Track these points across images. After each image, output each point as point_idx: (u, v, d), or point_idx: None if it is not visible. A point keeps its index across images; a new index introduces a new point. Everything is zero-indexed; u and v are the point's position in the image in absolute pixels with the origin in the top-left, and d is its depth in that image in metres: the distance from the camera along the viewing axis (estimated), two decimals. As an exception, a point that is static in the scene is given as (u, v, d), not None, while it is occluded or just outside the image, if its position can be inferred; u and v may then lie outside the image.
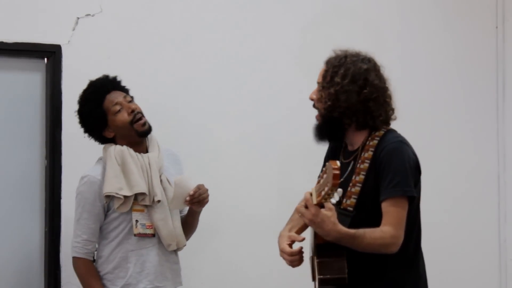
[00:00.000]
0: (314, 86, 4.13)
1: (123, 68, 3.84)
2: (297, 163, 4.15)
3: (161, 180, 3.26)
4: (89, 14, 3.82)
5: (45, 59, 3.79)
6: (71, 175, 3.70)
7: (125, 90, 3.34)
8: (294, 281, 3.99)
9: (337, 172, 2.28)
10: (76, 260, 3.27)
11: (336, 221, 2.47)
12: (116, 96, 3.26)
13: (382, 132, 2.70)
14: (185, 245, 3.33)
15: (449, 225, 4.32)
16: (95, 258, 3.28)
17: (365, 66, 2.71)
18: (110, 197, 3.18)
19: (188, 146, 3.73)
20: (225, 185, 4.00)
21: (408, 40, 4.39)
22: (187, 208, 3.34)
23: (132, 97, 3.34)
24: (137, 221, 3.21)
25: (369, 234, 2.53)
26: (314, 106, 2.79)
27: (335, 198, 2.37)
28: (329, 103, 2.70)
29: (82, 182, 3.25)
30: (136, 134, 3.24)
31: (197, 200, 3.19)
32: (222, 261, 4.00)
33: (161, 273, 3.25)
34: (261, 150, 4.09)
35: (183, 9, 4.00)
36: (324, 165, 3.03)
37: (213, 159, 3.98)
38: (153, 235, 3.22)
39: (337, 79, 2.70)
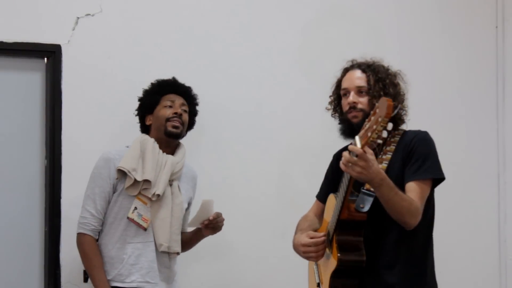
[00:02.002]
0: (314, 86, 4.17)
1: (123, 68, 3.86)
2: (297, 163, 4.15)
3: (171, 185, 3.33)
4: (89, 14, 3.82)
5: (45, 59, 3.79)
6: (71, 175, 3.71)
7: (192, 108, 3.49)
8: (294, 280, 3.99)
9: (392, 103, 2.34)
10: (81, 237, 3.30)
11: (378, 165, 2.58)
12: (177, 99, 3.43)
13: (401, 132, 2.86)
14: (178, 253, 3.36)
15: (449, 225, 4.32)
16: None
17: (396, 71, 2.91)
18: (121, 174, 3.26)
19: (188, 145, 3.72)
20: (225, 184, 4.00)
21: (408, 40, 4.38)
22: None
23: (193, 121, 3.53)
24: (136, 208, 3.26)
25: (402, 193, 2.64)
26: (354, 109, 2.84)
27: (383, 135, 2.41)
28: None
29: (100, 159, 3.35)
30: (164, 131, 3.36)
31: (213, 226, 3.33)
32: (222, 260, 4.00)
33: (154, 270, 3.27)
34: (261, 150, 4.09)
35: (183, 9, 4.00)
36: (327, 177, 3.12)
37: (212, 159, 3.98)
38: (145, 229, 3.26)
39: (389, 82, 2.84)
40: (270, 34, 4.14)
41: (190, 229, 3.50)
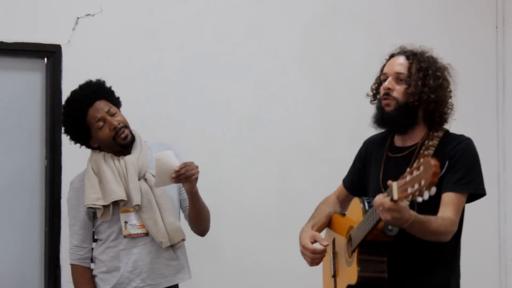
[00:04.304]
0: (315, 86, 4.18)
1: (123, 68, 3.85)
2: (297, 163, 4.15)
3: (145, 179, 3.22)
4: (89, 14, 3.82)
5: (45, 59, 3.79)
6: (71, 175, 3.68)
7: (109, 98, 3.24)
8: (294, 279, 4.00)
9: (438, 170, 2.18)
10: (71, 267, 3.28)
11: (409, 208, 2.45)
12: (98, 110, 3.17)
13: (440, 134, 2.70)
14: (183, 239, 3.25)
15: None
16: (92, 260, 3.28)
17: (444, 65, 2.76)
18: (92, 208, 3.18)
19: (188, 145, 3.73)
20: (226, 184, 4.00)
21: (408, 40, 4.34)
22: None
23: (117, 100, 3.27)
24: (126, 222, 3.18)
25: (434, 221, 2.51)
26: (388, 96, 2.70)
27: (424, 197, 2.24)
28: (425, 97, 2.66)
29: (69, 189, 3.28)
30: (119, 146, 3.21)
31: (184, 177, 3.06)
32: (222, 260, 4.00)
33: (154, 271, 3.22)
34: (261, 150, 4.09)
35: (183, 8, 4.00)
36: (354, 164, 2.95)
37: (213, 158, 3.97)
38: (146, 234, 3.19)
39: (432, 73, 2.69)
40: (271, 34, 4.14)
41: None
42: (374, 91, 2.84)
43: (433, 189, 2.20)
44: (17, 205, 3.76)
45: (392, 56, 2.81)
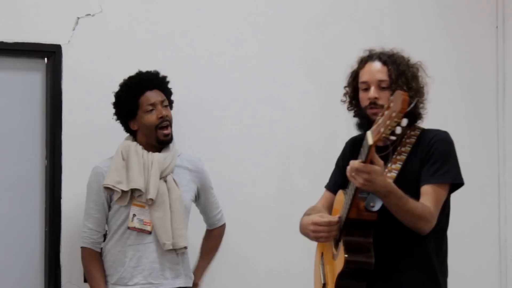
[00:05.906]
0: (315, 86, 4.17)
1: (123, 68, 3.84)
2: (297, 163, 4.15)
3: (166, 181, 3.28)
4: (89, 14, 3.82)
5: (45, 59, 3.79)
6: (71, 175, 3.71)
7: (167, 93, 3.41)
8: (295, 279, 4.00)
9: (407, 98, 2.19)
10: (82, 250, 3.35)
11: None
12: (154, 96, 3.34)
13: (417, 132, 2.72)
14: (185, 247, 3.33)
15: (449, 225, 4.31)
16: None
17: (417, 63, 2.77)
18: (109, 189, 3.24)
19: (188, 146, 3.73)
20: (226, 184, 3.99)
21: (408, 40, 4.37)
22: (220, 221, 3.59)
23: (171, 101, 3.43)
24: (134, 215, 3.26)
25: (412, 201, 2.51)
26: (375, 105, 2.68)
27: (397, 132, 2.24)
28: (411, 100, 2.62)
29: (91, 173, 3.35)
30: (156, 140, 3.30)
31: None
32: (222, 261, 4.00)
33: (157, 271, 3.25)
34: (261, 150, 4.09)
35: (183, 8, 4.00)
36: (337, 165, 2.97)
37: (213, 159, 3.97)
38: (150, 232, 3.25)
39: (412, 75, 2.70)
40: (271, 34, 4.14)
41: (215, 225, 3.60)
42: (350, 97, 2.83)
43: (405, 121, 2.21)
44: (17, 205, 3.76)
45: (365, 61, 2.77)
